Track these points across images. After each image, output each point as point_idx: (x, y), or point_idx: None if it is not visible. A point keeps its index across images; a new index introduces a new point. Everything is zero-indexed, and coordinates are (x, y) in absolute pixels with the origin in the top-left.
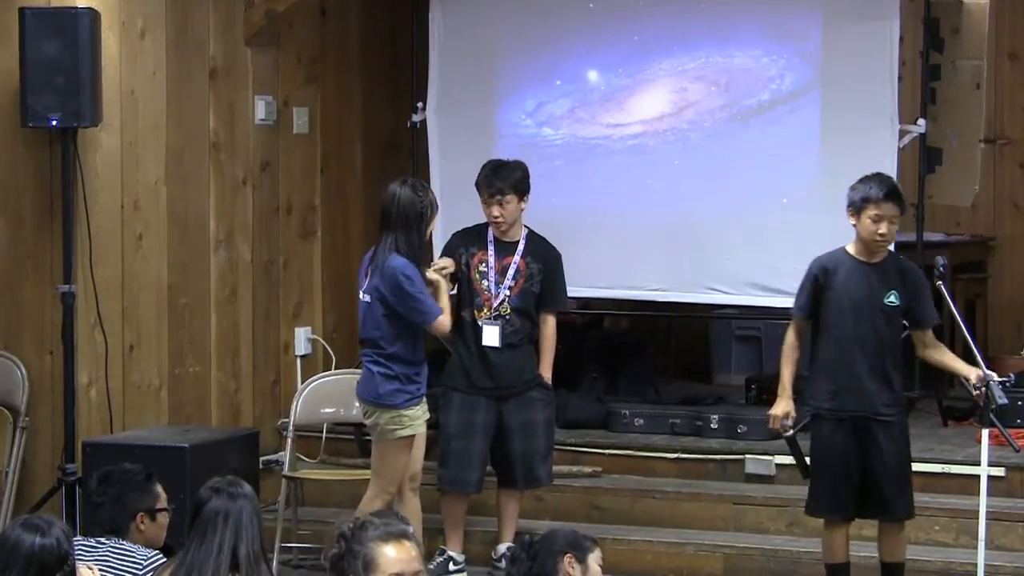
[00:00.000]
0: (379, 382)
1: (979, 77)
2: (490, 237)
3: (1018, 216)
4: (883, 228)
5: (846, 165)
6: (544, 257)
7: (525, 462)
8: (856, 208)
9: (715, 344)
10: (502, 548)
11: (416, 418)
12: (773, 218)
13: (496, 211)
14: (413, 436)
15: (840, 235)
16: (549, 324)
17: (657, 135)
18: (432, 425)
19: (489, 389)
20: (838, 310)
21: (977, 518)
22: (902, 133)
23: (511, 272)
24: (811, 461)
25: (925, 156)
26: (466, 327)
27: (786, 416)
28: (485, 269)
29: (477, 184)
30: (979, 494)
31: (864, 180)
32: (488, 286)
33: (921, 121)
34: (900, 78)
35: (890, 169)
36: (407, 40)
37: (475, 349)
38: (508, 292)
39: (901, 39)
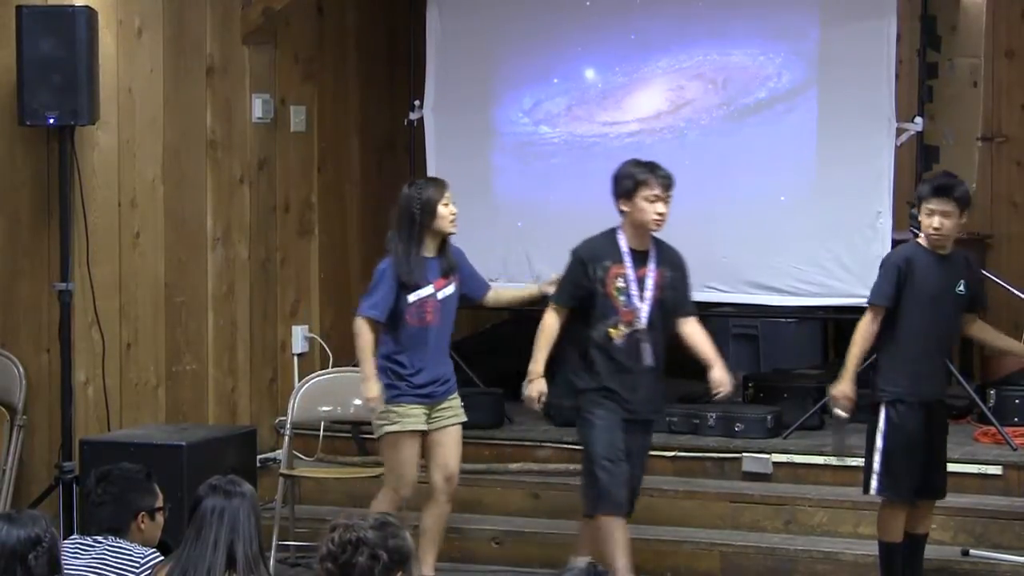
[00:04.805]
0: None
1: (976, 75)
2: (624, 248)
3: (1015, 214)
4: (935, 222)
5: (843, 163)
6: (674, 262)
7: (633, 489)
8: (919, 204)
9: (712, 342)
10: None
11: (406, 416)
12: (770, 216)
13: (663, 208)
14: (406, 433)
15: (839, 233)
16: (696, 325)
17: (654, 133)
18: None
19: (630, 411)
20: (919, 300)
21: (974, 517)
22: (899, 131)
23: (649, 283)
24: (886, 445)
25: (922, 154)
26: (599, 347)
27: (845, 397)
28: (623, 284)
29: (640, 179)
30: (977, 492)
31: (924, 179)
32: (627, 301)
33: (918, 119)
34: (897, 76)
35: (887, 167)
36: (404, 38)
37: (615, 368)
38: (647, 306)
39: (898, 37)
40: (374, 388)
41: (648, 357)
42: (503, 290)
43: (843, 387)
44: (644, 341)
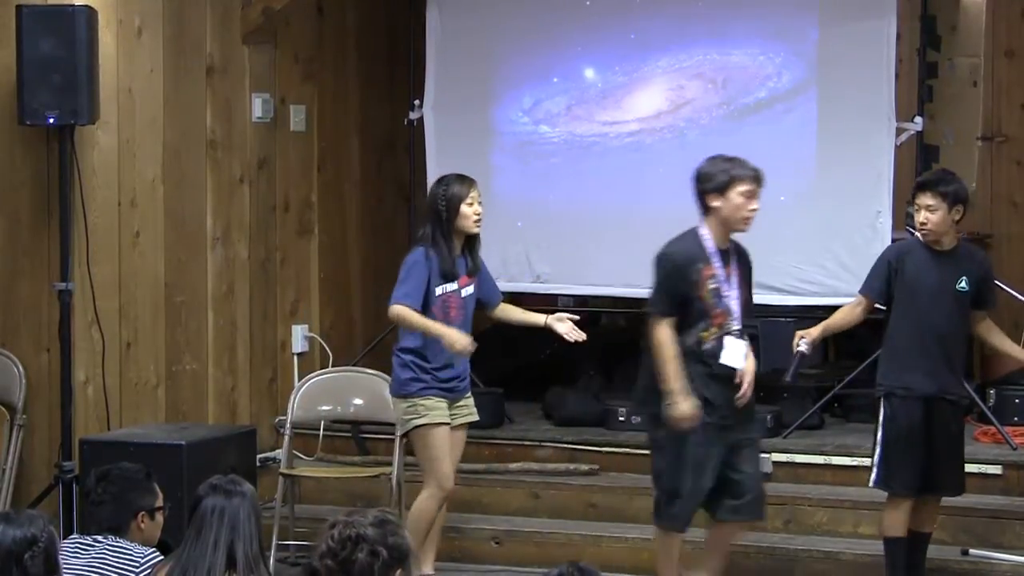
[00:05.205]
0: (397, 372)
1: (976, 75)
2: (711, 248)
3: (1015, 214)
4: (921, 217)
5: (843, 163)
6: (748, 263)
7: (759, 492)
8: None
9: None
10: None
11: (434, 408)
12: (770, 216)
13: (756, 204)
14: (436, 425)
15: (839, 233)
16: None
17: (654, 133)
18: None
19: (723, 416)
20: (913, 296)
21: (974, 516)
22: (899, 131)
23: (734, 281)
24: (885, 439)
25: (922, 154)
26: (691, 352)
27: (809, 337)
28: (716, 284)
29: (735, 174)
30: (977, 491)
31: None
32: (718, 302)
33: (918, 119)
34: (897, 76)
35: (887, 167)
36: (404, 37)
37: (708, 373)
38: (737, 304)
39: (898, 37)
40: (455, 334)
41: (741, 358)
42: (512, 309)
43: (812, 330)
44: (737, 338)
